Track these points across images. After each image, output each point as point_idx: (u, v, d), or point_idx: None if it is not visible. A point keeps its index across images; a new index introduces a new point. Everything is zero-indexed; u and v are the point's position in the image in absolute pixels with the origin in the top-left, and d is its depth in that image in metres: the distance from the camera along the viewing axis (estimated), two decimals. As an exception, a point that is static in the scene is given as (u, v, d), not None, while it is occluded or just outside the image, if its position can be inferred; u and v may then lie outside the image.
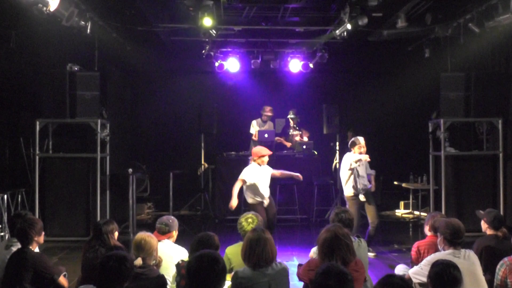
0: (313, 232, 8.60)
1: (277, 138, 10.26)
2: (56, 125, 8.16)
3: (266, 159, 6.99)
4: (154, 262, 4.04)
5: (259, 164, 6.94)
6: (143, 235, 4.08)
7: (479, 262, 3.99)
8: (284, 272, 3.67)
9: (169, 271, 4.23)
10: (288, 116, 10.35)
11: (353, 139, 7.17)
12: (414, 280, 4.01)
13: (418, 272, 3.95)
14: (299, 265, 3.98)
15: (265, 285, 3.52)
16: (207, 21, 7.37)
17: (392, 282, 2.69)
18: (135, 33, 8.95)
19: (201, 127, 10.62)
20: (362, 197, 7.01)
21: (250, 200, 6.89)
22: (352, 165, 6.96)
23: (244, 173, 6.87)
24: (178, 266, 3.94)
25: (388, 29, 8.67)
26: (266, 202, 6.90)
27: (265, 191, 6.93)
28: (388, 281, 2.70)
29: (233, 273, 3.70)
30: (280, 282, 3.60)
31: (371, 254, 6.95)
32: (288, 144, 10.19)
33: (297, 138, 10.25)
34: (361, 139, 7.10)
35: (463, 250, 3.96)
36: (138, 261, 3.91)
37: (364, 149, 7.05)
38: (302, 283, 3.91)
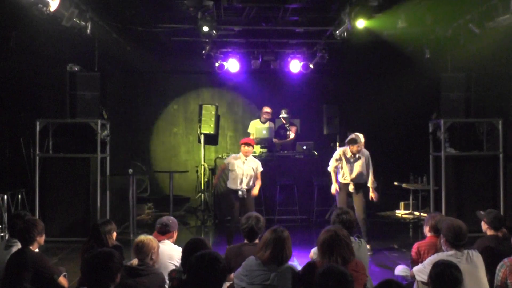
0: (313, 233, 8.58)
1: (274, 140, 10.24)
2: (56, 125, 8.15)
3: (245, 148, 7.13)
4: (152, 262, 4.06)
5: (244, 154, 7.13)
6: (142, 237, 4.12)
7: (483, 263, 3.94)
8: (289, 270, 3.69)
9: (168, 271, 4.22)
10: (281, 116, 10.29)
11: (353, 136, 7.15)
12: (418, 278, 4.02)
13: (422, 271, 3.95)
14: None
15: (269, 278, 3.54)
16: (204, 28, 7.79)
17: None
18: (135, 33, 8.95)
19: (201, 127, 10.63)
20: (351, 187, 7.12)
21: (227, 184, 7.28)
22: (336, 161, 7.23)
23: (228, 157, 7.51)
24: (170, 275, 3.92)
25: (388, 29, 8.67)
26: (241, 193, 7.04)
27: (243, 182, 7.08)
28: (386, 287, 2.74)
29: (232, 274, 3.70)
30: (283, 280, 3.61)
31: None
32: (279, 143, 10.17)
33: (292, 136, 10.25)
34: (361, 137, 7.11)
35: (466, 252, 3.92)
36: (134, 261, 4.03)
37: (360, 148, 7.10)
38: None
